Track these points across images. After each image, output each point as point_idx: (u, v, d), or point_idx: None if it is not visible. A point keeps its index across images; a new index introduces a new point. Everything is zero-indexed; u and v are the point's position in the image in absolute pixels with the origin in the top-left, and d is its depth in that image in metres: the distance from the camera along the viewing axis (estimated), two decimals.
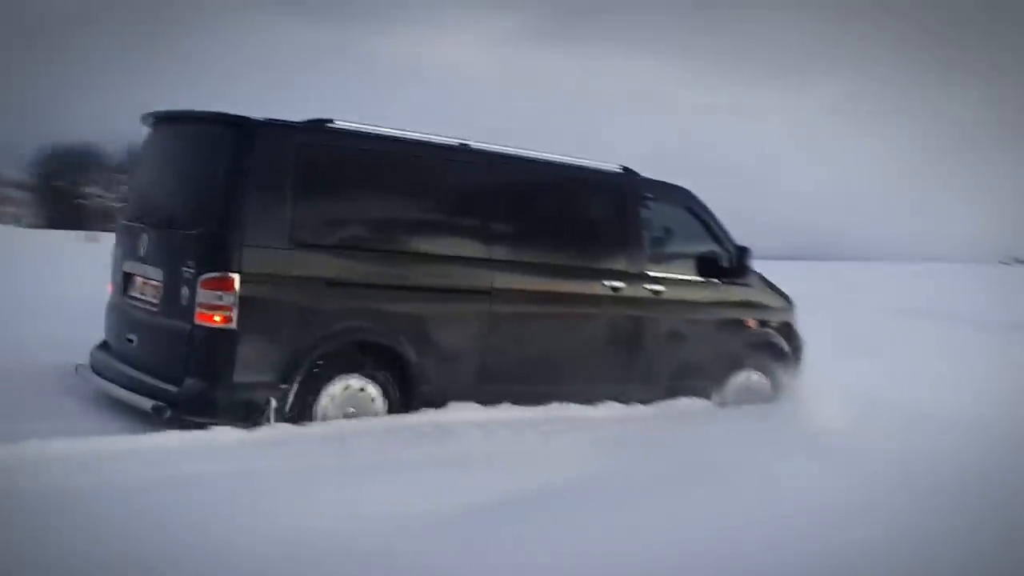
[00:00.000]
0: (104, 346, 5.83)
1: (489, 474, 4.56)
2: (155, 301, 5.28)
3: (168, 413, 4.84)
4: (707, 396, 6.81)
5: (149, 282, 5.36)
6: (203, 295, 4.91)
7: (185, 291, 5.00)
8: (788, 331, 7.32)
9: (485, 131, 5.91)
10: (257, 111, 5.26)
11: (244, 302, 4.90)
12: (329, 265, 5.21)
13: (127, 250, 5.68)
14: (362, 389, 5.32)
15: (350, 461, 4.62)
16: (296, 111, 5.47)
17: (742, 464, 4.77)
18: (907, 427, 5.56)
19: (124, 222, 5.87)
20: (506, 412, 5.67)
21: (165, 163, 5.79)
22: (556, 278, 6.12)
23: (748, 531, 3.73)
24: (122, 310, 5.67)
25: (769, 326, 7.18)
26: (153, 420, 4.90)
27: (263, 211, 5.04)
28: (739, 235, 6.99)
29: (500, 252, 5.84)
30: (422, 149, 5.69)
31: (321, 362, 5.17)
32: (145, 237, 5.48)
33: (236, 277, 4.89)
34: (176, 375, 5.02)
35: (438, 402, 5.53)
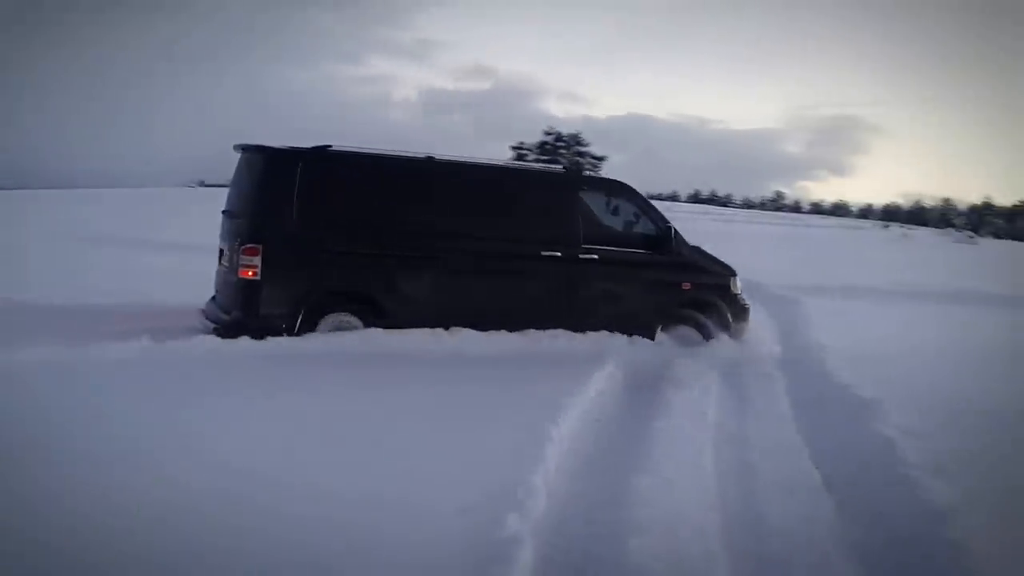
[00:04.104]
0: (212, 299, 8.95)
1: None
2: (227, 264, 8.26)
3: (221, 333, 7.78)
4: (650, 336, 8.66)
5: (225, 252, 8.36)
6: (242, 259, 7.77)
7: (235, 257, 7.91)
8: (723, 293, 8.92)
9: None
10: None
11: (265, 263, 7.70)
12: (322, 238, 7.87)
13: (222, 232, 8.75)
14: (347, 321, 7.93)
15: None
16: None
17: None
18: None
19: (223, 213, 8.96)
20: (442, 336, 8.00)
21: (236, 174, 8.77)
22: (497, 249, 8.35)
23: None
24: (218, 273, 8.74)
25: (701, 289, 8.85)
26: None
27: (278, 205, 7.81)
28: None
29: (449, 229, 8.20)
30: (393, 162, 8.22)
31: (317, 303, 7.84)
32: (226, 223, 8.52)
33: (260, 247, 7.71)
34: (229, 310, 7.95)
35: (404, 329, 7.94)
